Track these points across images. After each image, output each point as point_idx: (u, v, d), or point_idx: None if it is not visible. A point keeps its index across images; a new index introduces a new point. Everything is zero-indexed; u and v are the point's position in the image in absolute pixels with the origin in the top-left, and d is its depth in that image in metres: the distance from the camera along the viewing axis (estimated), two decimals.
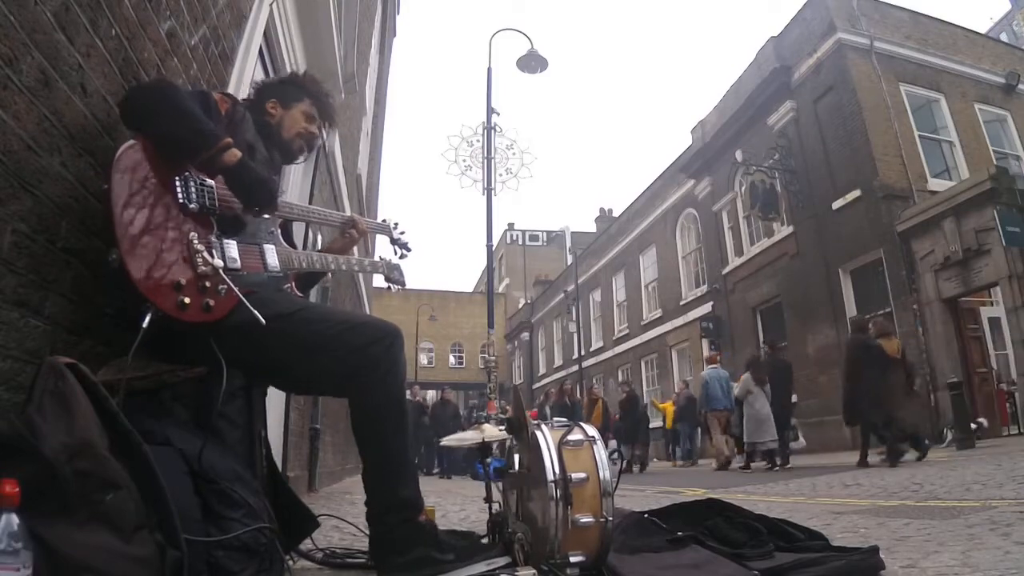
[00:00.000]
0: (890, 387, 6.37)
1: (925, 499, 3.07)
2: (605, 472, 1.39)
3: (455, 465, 11.02)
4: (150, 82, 1.49)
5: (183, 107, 1.35)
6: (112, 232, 1.23)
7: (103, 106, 1.36)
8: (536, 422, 1.51)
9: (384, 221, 2.12)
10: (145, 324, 1.22)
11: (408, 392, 10.77)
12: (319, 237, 4.15)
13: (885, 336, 6.77)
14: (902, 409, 6.50)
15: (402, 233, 2.10)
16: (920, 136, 10.73)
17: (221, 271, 1.36)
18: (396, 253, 2.09)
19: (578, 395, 12.46)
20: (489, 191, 7.47)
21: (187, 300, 1.29)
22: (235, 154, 1.38)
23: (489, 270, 8.17)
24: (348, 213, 2.02)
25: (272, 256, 1.57)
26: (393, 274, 2.02)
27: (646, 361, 18.24)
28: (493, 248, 7.82)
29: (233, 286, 1.36)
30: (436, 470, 11.56)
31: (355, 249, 2.09)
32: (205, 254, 1.35)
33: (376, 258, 2.12)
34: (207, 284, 1.34)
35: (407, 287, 2.13)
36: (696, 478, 7.46)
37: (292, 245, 1.73)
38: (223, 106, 1.54)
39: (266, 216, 1.59)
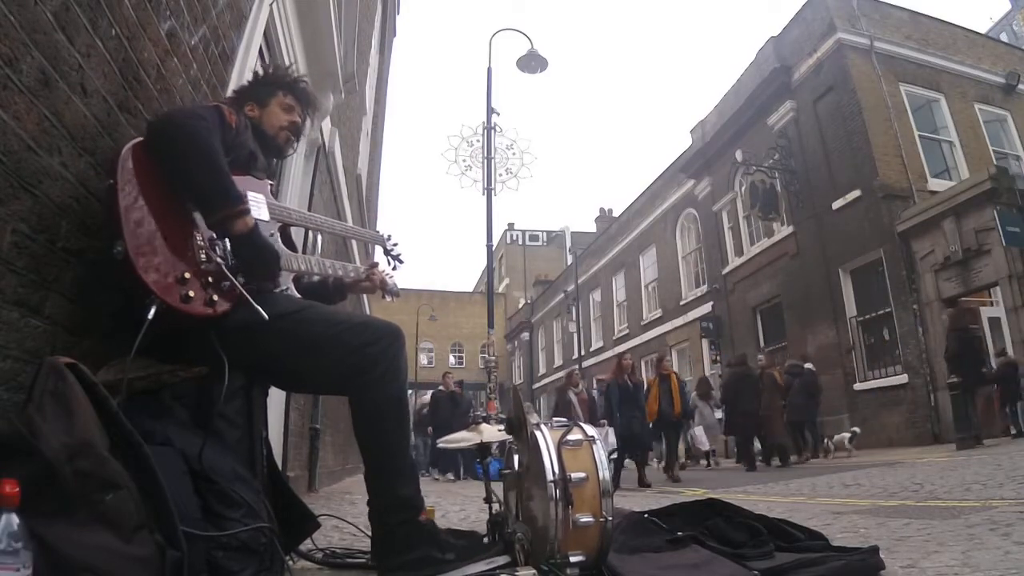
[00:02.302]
0: (769, 409, 8.30)
1: (925, 499, 3.07)
2: (605, 472, 1.39)
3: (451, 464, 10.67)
4: (180, 120, 1.39)
5: (213, 160, 1.36)
6: (117, 226, 1.23)
7: (103, 106, 1.37)
8: (536, 422, 1.51)
9: (379, 232, 2.18)
10: (150, 316, 1.22)
11: (441, 385, 10.10)
12: (319, 239, 4.15)
13: (772, 367, 8.97)
14: (777, 426, 8.36)
15: (395, 245, 2.15)
16: (920, 136, 10.74)
17: (224, 267, 1.36)
18: (389, 264, 2.14)
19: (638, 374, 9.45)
20: (489, 191, 7.48)
21: (191, 294, 1.29)
22: (247, 223, 1.39)
23: (489, 270, 8.18)
24: (369, 264, 2.06)
25: None
26: (387, 284, 2.06)
27: (646, 361, 18.23)
28: (493, 248, 7.83)
29: (236, 283, 1.36)
30: (449, 475, 9.71)
31: (356, 255, 2.12)
32: (208, 251, 1.35)
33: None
34: (210, 280, 1.34)
35: (406, 288, 2.17)
36: (695, 478, 7.46)
37: (292, 248, 1.74)
38: (232, 120, 1.54)
39: (265, 219, 1.59)
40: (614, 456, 6.78)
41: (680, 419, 7.92)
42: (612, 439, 6.73)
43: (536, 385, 26.09)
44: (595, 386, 10.47)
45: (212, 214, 1.37)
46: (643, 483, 6.46)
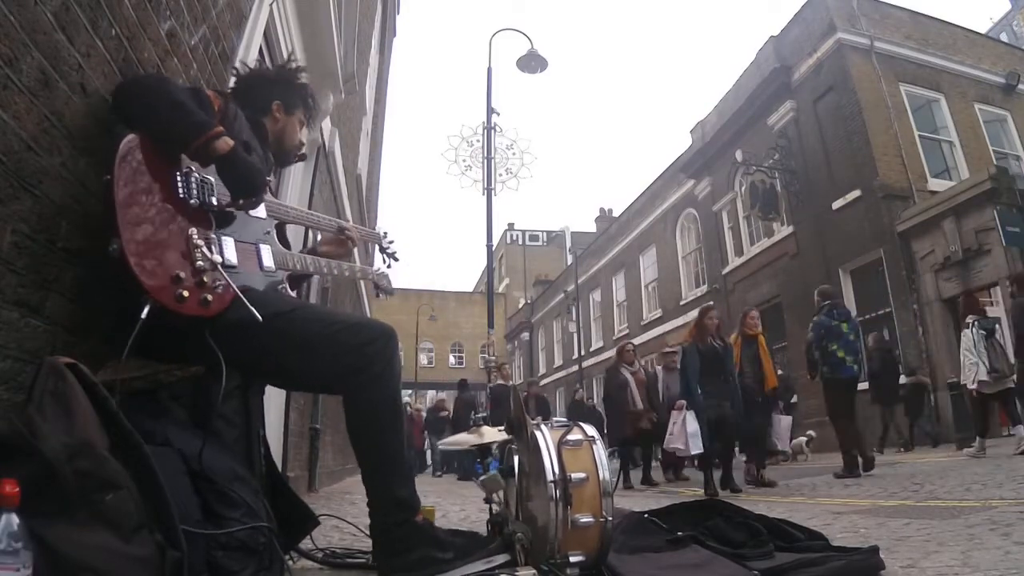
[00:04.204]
0: None
1: (925, 499, 3.07)
2: (605, 472, 1.39)
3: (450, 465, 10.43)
4: (139, 76, 1.47)
5: (174, 98, 1.36)
6: (113, 223, 1.22)
7: (103, 106, 1.36)
8: (535, 422, 1.51)
9: (375, 230, 2.20)
10: (144, 316, 1.21)
11: (500, 379, 9.66)
12: (319, 238, 4.15)
13: None
14: None
15: (391, 242, 2.15)
16: (920, 136, 10.74)
17: (219, 267, 1.36)
18: (384, 261, 2.15)
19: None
20: (489, 191, 7.48)
21: (185, 293, 1.28)
22: (227, 142, 1.38)
23: (489, 270, 8.17)
24: (344, 221, 2.07)
25: (268, 256, 1.58)
26: (382, 282, 2.08)
27: (647, 361, 18.21)
28: (493, 248, 7.82)
29: (231, 282, 1.36)
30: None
31: (356, 254, 2.13)
32: (204, 249, 1.35)
33: (372, 266, 2.17)
34: (205, 279, 1.34)
35: (406, 288, 2.19)
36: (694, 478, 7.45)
37: (286, 246, 1.74)
38: (215, 103, 1.53)
39: (261, 216, 1.59)
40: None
41: (773, 397, 5.52)
42: (693, 426, 4.83)
43: None
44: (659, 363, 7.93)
45: (188, 145, 1.35)
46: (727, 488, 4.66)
